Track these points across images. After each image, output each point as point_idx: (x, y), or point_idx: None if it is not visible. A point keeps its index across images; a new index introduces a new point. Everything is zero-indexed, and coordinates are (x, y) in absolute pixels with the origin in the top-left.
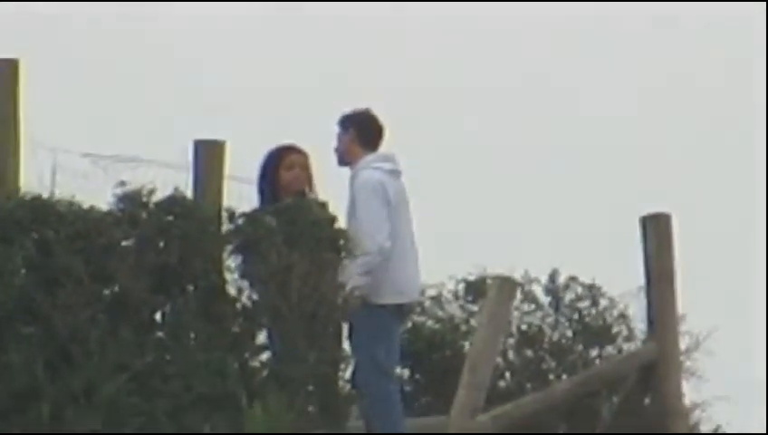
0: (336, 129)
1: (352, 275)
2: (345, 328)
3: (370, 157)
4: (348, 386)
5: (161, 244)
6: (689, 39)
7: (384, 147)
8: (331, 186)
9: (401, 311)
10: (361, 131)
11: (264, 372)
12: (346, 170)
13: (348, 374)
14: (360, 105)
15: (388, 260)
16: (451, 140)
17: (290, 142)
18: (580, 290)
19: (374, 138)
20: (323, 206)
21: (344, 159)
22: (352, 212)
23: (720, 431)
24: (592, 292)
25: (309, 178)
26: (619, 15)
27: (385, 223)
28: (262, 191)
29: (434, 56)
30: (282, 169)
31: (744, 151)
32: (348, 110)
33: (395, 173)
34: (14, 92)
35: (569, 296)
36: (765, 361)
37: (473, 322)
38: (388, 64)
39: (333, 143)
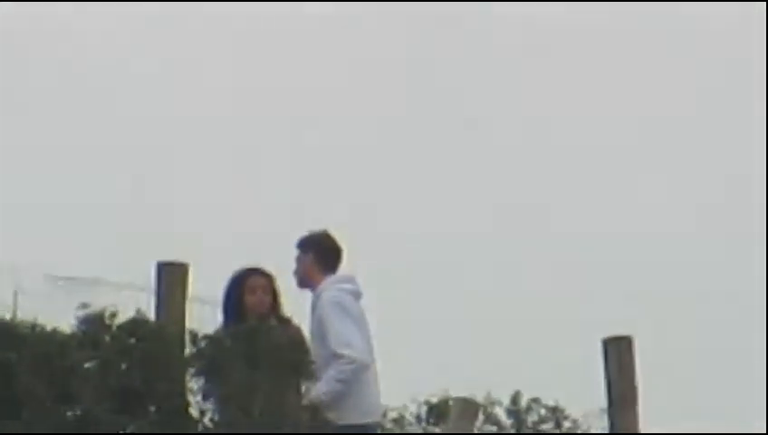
0: (295, 252)
1: (328, 381)
2: None
3: (332, 278)
4: None
5: (124, 366)
6: (688, 39)
7: (343, 268)
8: (292, 308)
9: (365, 430)
10: (320, 254)
11: None
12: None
13: None
14: (317, 227)
15: (354, 380)
16: (418, 255)
17: (254, 265)
18: (543, 412)
19: (333, 260)
20: (290, 324)
21: (305, 282)
22: (317, 334)
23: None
24: (555, 413)
25: (274, 300)
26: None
27: (358, 335)
28: (226, 311)
29: None
30: (245, 293)
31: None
32: (305, 232)
33: (356, 294)
34: None
35: (531, 418)
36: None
37: None
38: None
39: (292, 267)
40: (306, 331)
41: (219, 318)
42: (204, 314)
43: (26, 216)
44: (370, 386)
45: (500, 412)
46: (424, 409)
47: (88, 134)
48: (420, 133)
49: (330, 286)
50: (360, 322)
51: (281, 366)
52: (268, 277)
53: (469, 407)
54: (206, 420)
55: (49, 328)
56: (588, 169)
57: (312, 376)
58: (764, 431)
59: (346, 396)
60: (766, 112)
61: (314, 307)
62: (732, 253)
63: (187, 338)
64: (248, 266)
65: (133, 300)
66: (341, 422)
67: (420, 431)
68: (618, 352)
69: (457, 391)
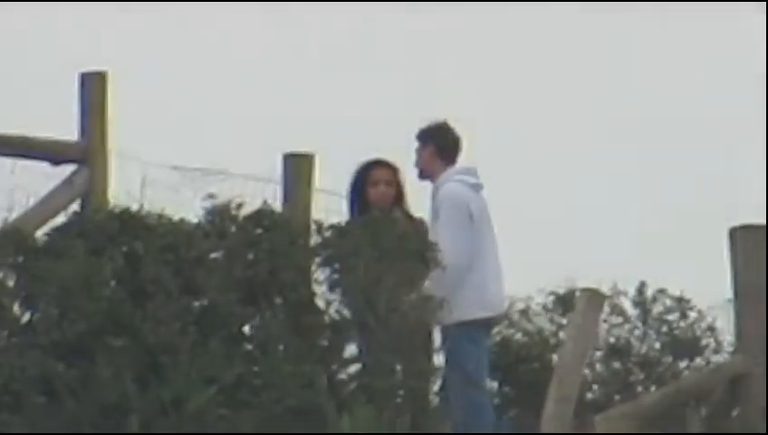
0: (415, 143)
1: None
2: (434, 341)
3: (452, 170)
4: (437, 399)
5: (250, 256)
6: (689, 39)
7: (463, 158)
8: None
9: (489, 324)
10: (440, 145)
11: (353, 385)
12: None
13: (437, 387)
14: (438, 117)
15: (473, 274)
16: (539, 149)
17: (378, 157)
18: (668, 302)
19: (453, 150)
20: (412, 219)
21: (425, 173)
22: (435, 224)
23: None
24: (681, 304)
25: (398, 193)
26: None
27: (465, 239)
28: (352, 203)
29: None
30: (368, 185)
31: None
32: (425, 123)
33: (477, 187)
34: (102, 105)
35: (657, 309)
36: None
37: (561, 334)
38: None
39: (413, 158)
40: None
41: (345, 210)
42: (330, 205)
43: (152, 107)
44: (493, 281)
45: (626, 303)
46: (550, 299)
47: None
48: None
49: (449, 178)
50: (476, 218)
51: (406, 257)
52: (392, 169)
53: (595, 298)
54: (332, 310)
55: (176, 219)
56: None
57: (438, 264)
58: (764, 431)
59: (469, 293)
60: (766, 112)
61: (434, 198)
62: None
63: (313, 228)
64: (372, 158)
65: (260, 191)
66: (465, 318)
67: (547, 322)
68: (745, 242)
69: (584, 282)
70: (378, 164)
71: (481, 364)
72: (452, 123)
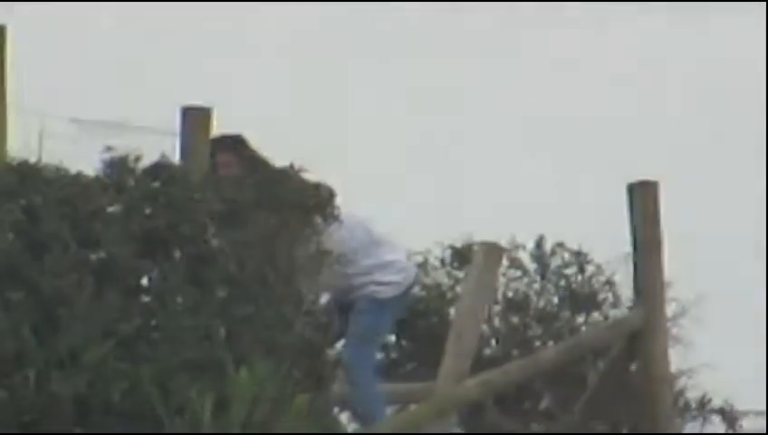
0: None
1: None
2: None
3: None
4: (333, 352)
5: (148, 210)
6: (689, 38)
7: None
8: None
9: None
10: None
11: (251, 339)
12: None
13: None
14: None
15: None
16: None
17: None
18: (566, 256)
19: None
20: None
21: None
22: None
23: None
24: (579, 258)
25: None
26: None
27: None
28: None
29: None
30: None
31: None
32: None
33: None
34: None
35: (555, 263)
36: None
37: (459, 288)
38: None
39: None
40: None
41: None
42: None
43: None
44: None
45: (524, 257)
46: (448, 253)
47: None
48: None
49: None
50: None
51: (304, 209)
52: (226, 151)
53: (493, 251)
54: (232, 263)
55: (74, 172)
56: None
57: (333, 218)
58: (765, 432)
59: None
60: (766, 112)
61: None
62: None
63: (211, 183)
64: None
65: (158, 144)
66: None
67: (445, 276)
68: (644, 197)
69: (482, 236)
70: (214, 147)
71: (382, 325)
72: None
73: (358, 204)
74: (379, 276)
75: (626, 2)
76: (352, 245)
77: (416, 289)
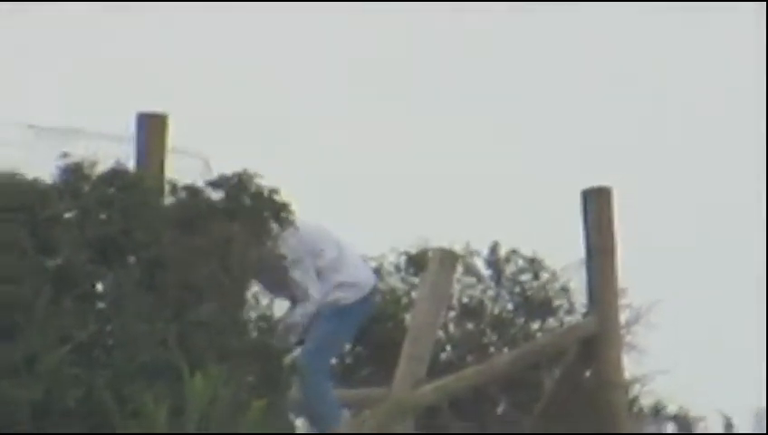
0: None
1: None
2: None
3: None
4: (289, 357)
5: (103, 216)
6: (689, 38)
7: None
8: None
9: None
10: None
11: (206, 344)
12: None
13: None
14: None
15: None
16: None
17: None
18: (521, 263)
19: None
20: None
21: None
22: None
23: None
24: (534, 265)
25: None
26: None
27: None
28: None
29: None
30: None
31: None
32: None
33: None
34: None
35: (510, 269)
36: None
37: (414, 294)
38: None
39: None
40: None
41: (198, 169)
42: (184, 166)
43: (9, 67)
44: (353, 268)
45: (479, 263)
46: (403, 259)
47: None
48: None
49: None
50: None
51: (260, 215)
52: None
53: (448, 257)
54: (187, 269)
55: (30, 178)
56: None
57: (290, 224)
58: (765, 432)
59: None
60: (766, 112)
61: None
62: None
63: (167, 188)
64: None
65: (114, 150)
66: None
67: (399, 281)
68: (597, 203)
69: (436, 242)
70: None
71: (342, 331)
72: None
73: (309, 209)
74: (339, 284)
75: (627, 2)
76: (307, 249)
77: (378, 297)
